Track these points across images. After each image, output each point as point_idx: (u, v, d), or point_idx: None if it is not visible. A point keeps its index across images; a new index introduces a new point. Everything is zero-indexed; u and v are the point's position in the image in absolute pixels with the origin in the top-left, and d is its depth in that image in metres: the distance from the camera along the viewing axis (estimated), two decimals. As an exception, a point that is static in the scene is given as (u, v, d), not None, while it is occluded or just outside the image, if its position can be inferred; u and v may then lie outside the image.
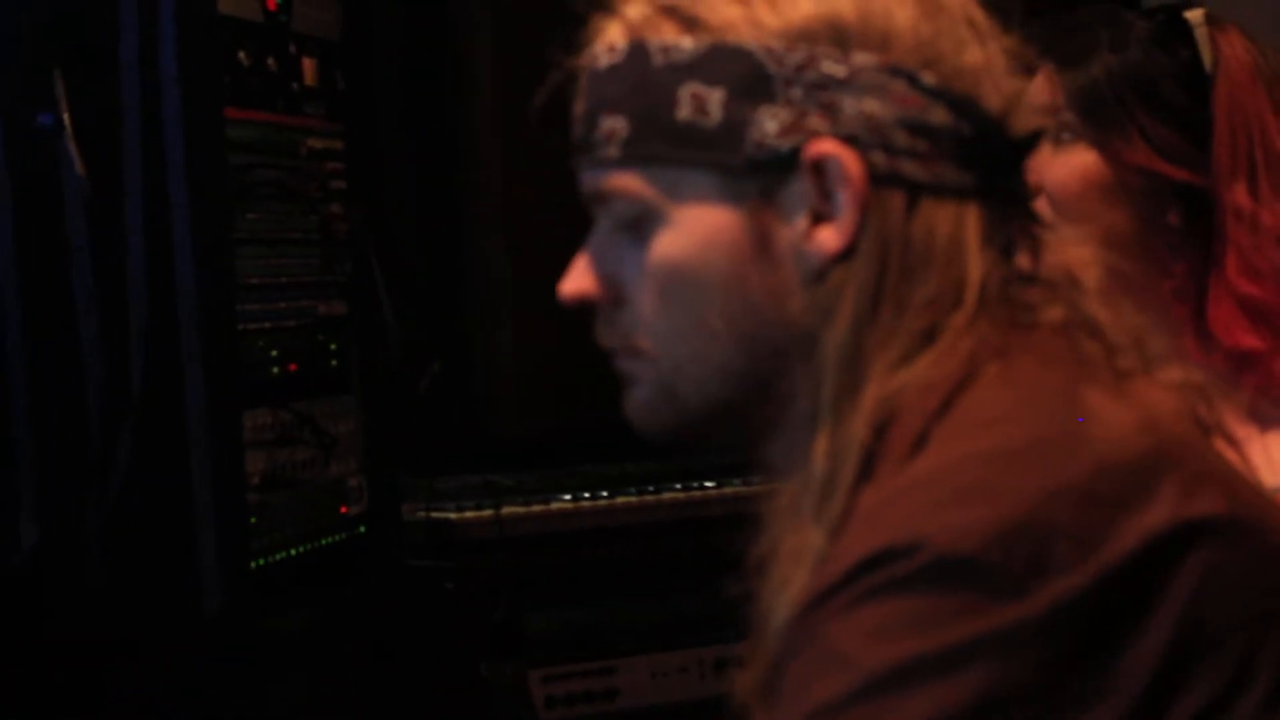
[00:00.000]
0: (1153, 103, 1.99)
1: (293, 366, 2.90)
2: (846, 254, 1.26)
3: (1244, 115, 1.99)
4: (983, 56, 1.30)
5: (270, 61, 2.85)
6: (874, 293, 1.26)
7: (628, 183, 1.31)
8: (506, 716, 3.33)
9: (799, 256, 1.27)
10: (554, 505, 3.51)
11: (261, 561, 2.77)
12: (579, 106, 1.35)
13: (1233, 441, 1.30)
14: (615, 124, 1.31)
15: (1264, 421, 2.00)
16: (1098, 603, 1.13)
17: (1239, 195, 1.97)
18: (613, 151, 1.31)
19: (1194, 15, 2.02)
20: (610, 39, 1.32)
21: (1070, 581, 1.12)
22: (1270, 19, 2.09)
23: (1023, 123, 1.31)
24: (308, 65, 2.97)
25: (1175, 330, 2.01)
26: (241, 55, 2.77)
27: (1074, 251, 1.33)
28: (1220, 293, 1.97)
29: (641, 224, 1.31)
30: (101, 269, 2.62)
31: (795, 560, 1.24)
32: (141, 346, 2.62)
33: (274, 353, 2.86)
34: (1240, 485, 1.23)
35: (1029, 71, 1.33)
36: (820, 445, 1.25)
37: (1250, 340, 1.96)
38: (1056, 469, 1.16)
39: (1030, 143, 1.31)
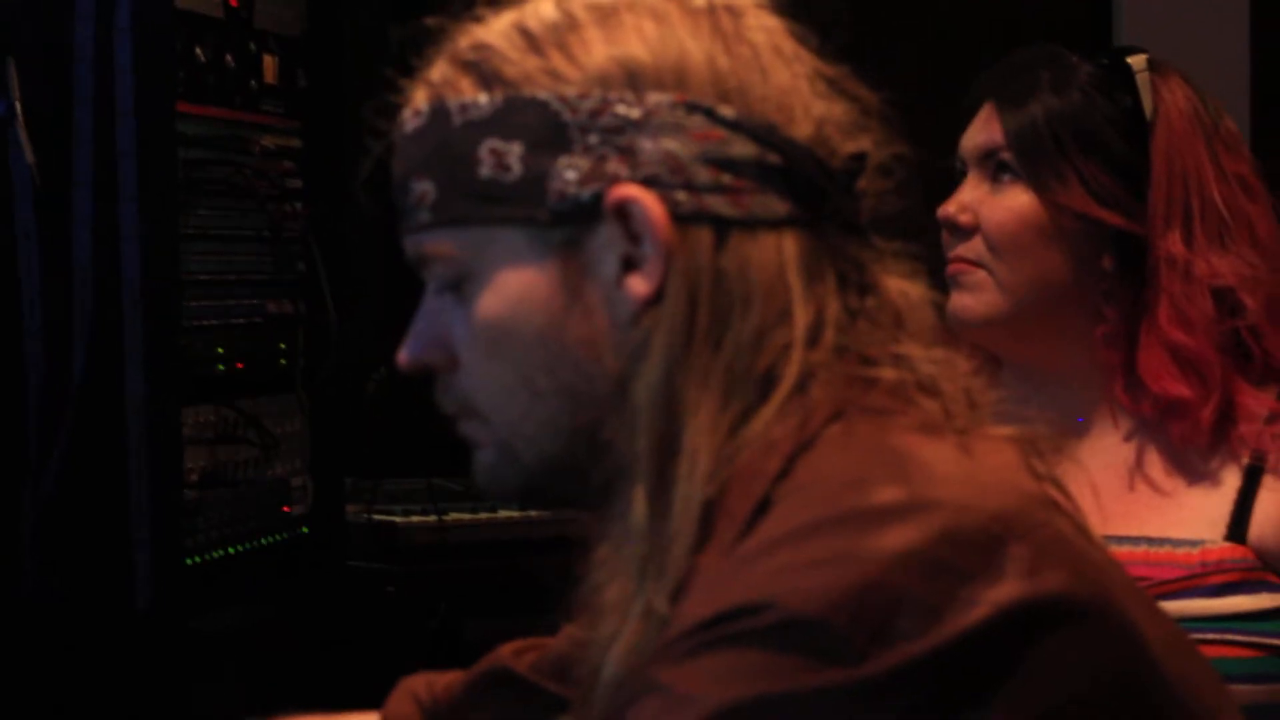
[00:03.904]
0: (1091, 147, 1.98)
1: (239, 364, 2.90)
2: (657, 298, 1.25)
3: (1182, 163, 1.98)
4: (790, 82, 1.29)
5: (229, 58, 2.84)
6: (685, 333, 1.24)
7: (440, 247, 1.30)
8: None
9: (612, 304, 1.26)
10: (500, 513, 3.50)
11: (198, 559, 2.76)
12: (395, 173, 1.34)
13: (1066, 492, 1.29)
14: (424, 188, 1.29)
15: (1190, 475, 1.99)
16: (939, 673, 1.12)
17: (1173, 243, 1.96)
18: (424, 217, 1.30)
19: (1136, 61, 2.01)
20: (415, 102, 1.31)
21: (912, 649, 1.12)
22: (1214, 66, 2.08)
23: (839, 146, 1.29)
24: (268, 62, 2.96)
25: (1106, 375, 2.01)
26: (199, 51, 2.76)
27: (900, 288, 1.31)
28: (1151, 340, 1.97)
29: (462, 285, 1.30)
30: (47, 259, 2.61)
31: (621, 613, 1.23)
32: (84, 338, 2.61)
33: (220, 350, 2.85)
34: (1083, 555, 1.22)
35: (842, 94, 1.31)
36: (638, 495, 1.23)
37: (1179, 389, 1.96)
38: (903, 535, 1.14)
39: (854, 167, 1.29)
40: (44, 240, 2.61)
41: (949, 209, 2.03)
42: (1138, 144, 1.99)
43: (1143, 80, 2.00)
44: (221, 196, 2.83)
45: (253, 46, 2.92)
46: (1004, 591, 1.14)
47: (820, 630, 1.12)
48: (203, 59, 2.77)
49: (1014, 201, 2.00)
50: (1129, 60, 2.01)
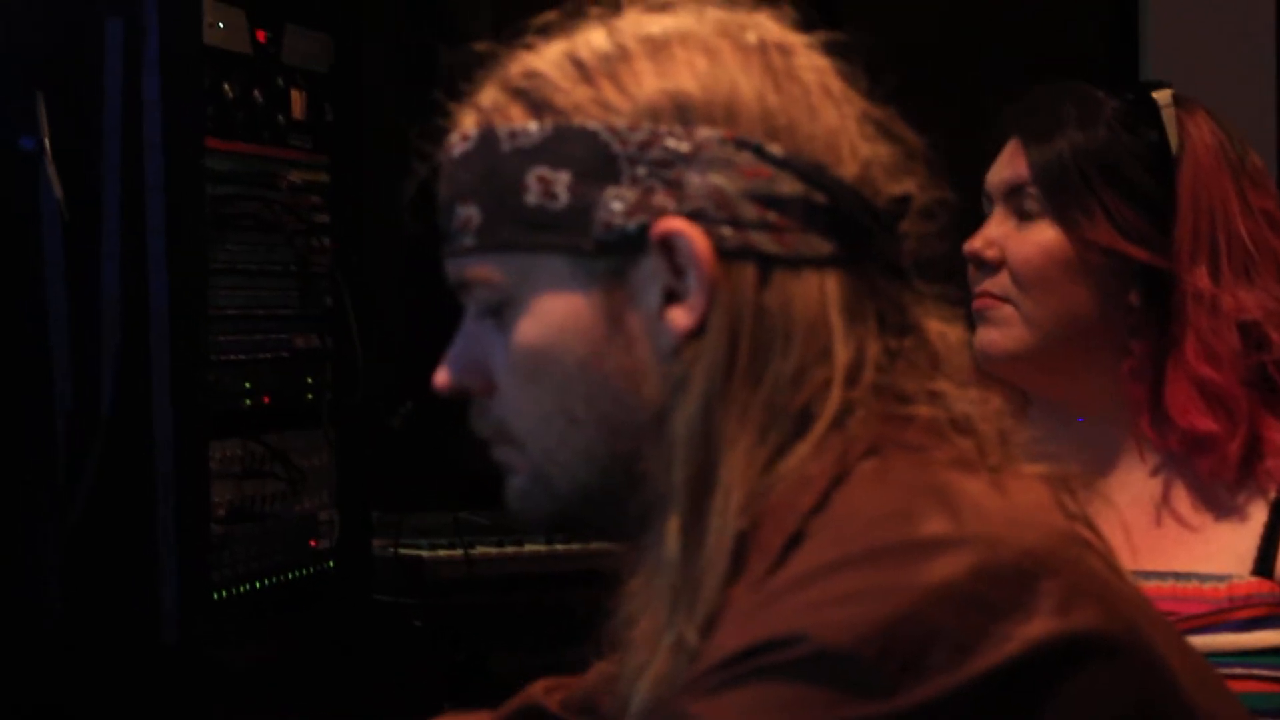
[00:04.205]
0: (1117, 182, 1.98)
1: (266, 399, 2.90)
2: (699, 331, 1.25)
3: (1208, 198, 1.98)
4: (838, 123, 1.29)
5: (256, 93, 2.85)
6: (725, 368, 1.24)
7: (484, 272, 1.30)
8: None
9: (654, 336, 1.27)
10: (526, 547, 3.50)
11: (225, 593, 2.76)
12: (440, 196, 1.34)
13: (1097, 529, 1.29)
14: (470, 212, 1.30)
15: (1217, 509, 1.99)
16: (970, 708, 1.13)
17: (1199, 278, 1.97)
18: (469, 241, 1.30)
19: (1162, 96, 2.01)
20: (464, 127, 1.32)
21: (943, 683, 1.12)
22: (1240, 101, 2.08)
23: (884, 188, 1.29)
24: (296, 97, 2.97)
25: (1132, 410, 2.01)
26: (227, 86, 2.77)
27: (939, 330, 1.31)
28: (1178, 375, 1.97)
29: (503, 311, 1.30)
30: (75, 293, 2.62)
31: (653, 644, 1.23)
32: (112, 372, 2.61)
33: (247, 384, 2.85)
34: (1113, 591, 1.22)
35: (888, 136, 1.31)
36: (672, 527, 1.24)
37: (1206, 424, 1.96)
38: (936, 569, 1.15)
39: (898, 209, 1.29)
40: (72, 274, 2.62)
41: (975, 244, 2.03)
42: (1163, 179, 1.98)
43: (1168, 115, 2.00)
44: (249, 231, 2.84)
45: (280, 82, 2.93)
46: (1036, 627, 1.15)
47: (850, 663, 1.12)
48: (231, 94, 2.78)
49: (1040, 237, 2.00)
50: (1154, 95, 2.01)
